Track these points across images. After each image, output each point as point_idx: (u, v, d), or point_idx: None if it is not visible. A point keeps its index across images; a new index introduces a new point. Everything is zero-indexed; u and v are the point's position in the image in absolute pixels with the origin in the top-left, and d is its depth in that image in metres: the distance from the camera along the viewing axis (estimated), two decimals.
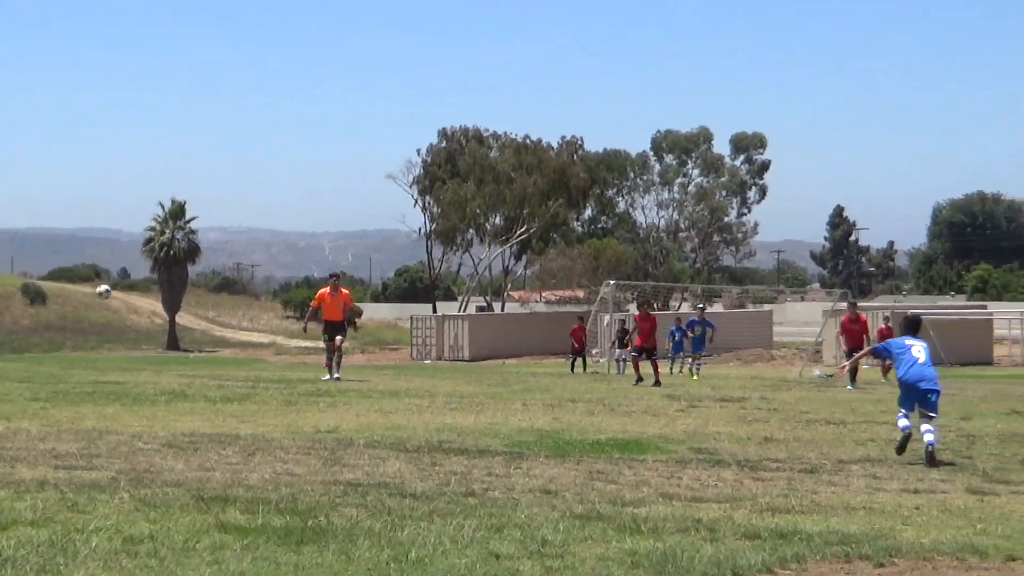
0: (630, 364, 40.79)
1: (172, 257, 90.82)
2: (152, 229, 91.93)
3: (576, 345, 50.53)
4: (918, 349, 18.06)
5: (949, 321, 62.73)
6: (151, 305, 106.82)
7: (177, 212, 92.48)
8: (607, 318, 56.34)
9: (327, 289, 35.06)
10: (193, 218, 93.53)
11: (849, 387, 34.65)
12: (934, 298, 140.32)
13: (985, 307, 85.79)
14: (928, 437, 17.16)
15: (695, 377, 41.40)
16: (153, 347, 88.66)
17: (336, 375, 34.08)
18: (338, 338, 34.36)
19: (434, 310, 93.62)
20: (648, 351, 37.06)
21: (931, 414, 17.56)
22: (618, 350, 47.47)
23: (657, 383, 35.16)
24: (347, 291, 35.78)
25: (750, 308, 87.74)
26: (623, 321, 51.23)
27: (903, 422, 17.78)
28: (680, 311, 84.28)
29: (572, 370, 48.28)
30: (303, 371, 44.46)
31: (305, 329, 38.60)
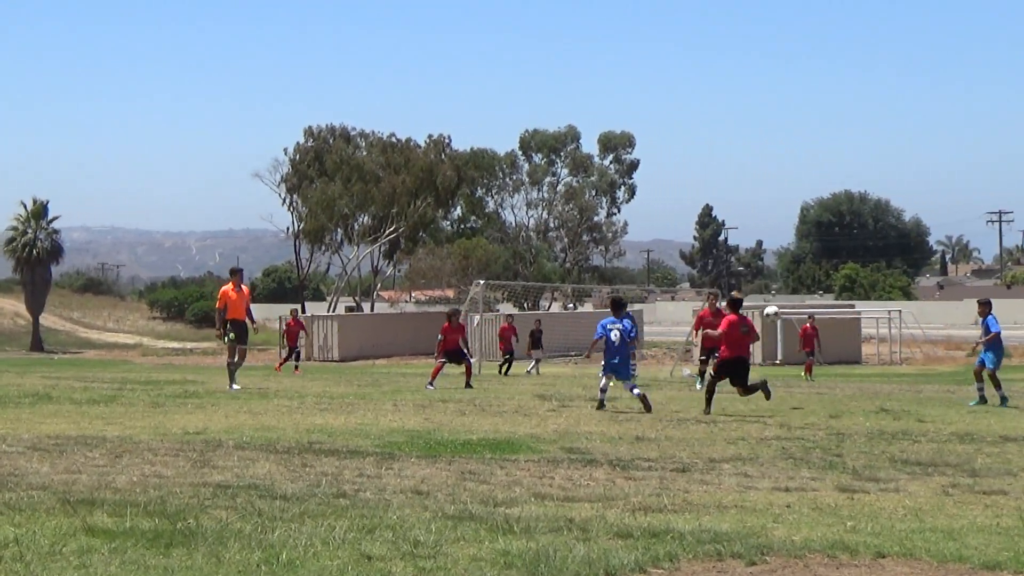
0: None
1: (35, 257, 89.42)
2: (13, 229, 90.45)
3: (504, 345, 48.92)
4: (616, 332, 25.48)
5: (817, 320, 63.48)
6: (14, 306, 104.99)
7: (39, 211, 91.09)
8: (476, 318, 56.30)
9: (230, 286, 31.26)
10: (56, 217, 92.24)
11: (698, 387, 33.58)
12: (802, 297, 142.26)
13: (853, 306, 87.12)
14: (636, 391, 25.56)
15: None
16: (16, 349, 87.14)
17: (236, 385, 31.20)
18: (241, 347, 31.39)
19: (303, 311, 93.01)
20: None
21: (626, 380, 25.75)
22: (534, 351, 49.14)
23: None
24: (248, 288, 32.09)
25: None
26: (538, 321, 51.80)
27: (603, 382, 26.00)
28: (551, 311, 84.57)
29: (500, 371, 46.54)
30: (170, 372, 43.86)
31: (223, 337, 31.64)
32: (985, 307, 29.47)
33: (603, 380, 26.30)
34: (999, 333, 29.10)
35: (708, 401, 25.29)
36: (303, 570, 9.59)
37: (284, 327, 52.28)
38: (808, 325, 47.00)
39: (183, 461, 15.86)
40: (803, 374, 44.77)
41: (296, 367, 47.92)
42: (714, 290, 39.53)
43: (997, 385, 28.76)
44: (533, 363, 48.82)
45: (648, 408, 24.92)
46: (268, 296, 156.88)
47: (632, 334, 26.24)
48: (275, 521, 11.44)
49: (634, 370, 41.53)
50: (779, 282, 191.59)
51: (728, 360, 25.17)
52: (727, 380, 25.42)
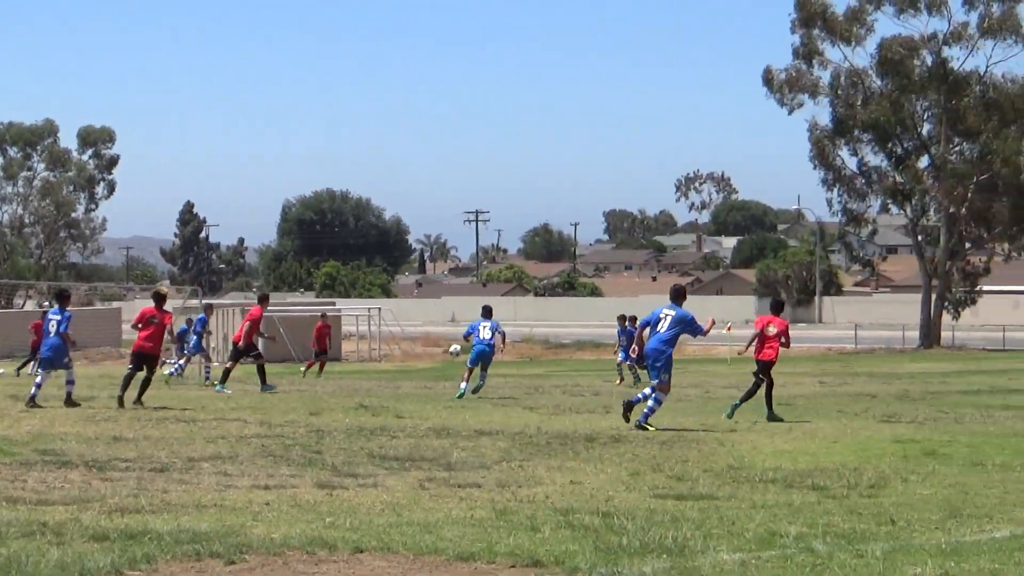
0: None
1: None
2: None
3: (317, 346, 45.88)
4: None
5: (299, 318, 63.94)
6: None
7: None
8: None
9: None
10: None
11: (219, 388, 32.74)
12: (284, 295, 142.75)
13: (334, 303, 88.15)
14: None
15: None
16: None
17: None
18: None
19: None
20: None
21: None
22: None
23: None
24: None
25: (98, 306, 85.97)
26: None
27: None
28: (26, 309, 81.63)
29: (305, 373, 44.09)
30: None
31: None
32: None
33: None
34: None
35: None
36: None
37: None
38: (321, 323, 46.75)
39: None
40: (304, 370, 44.29)
41: None
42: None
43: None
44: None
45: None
46: None
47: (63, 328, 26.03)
48: None
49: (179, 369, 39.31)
50: (261, 279, 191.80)
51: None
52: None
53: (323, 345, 45.85)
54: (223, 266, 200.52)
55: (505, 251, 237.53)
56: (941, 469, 16.30)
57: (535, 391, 32.79)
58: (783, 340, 24.41)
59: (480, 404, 27.74)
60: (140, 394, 25.98)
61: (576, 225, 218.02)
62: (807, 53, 75.30)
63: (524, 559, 10.57)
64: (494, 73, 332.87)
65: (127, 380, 26.23)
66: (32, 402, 25.52)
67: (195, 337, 40.74)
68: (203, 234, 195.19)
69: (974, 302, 78.76)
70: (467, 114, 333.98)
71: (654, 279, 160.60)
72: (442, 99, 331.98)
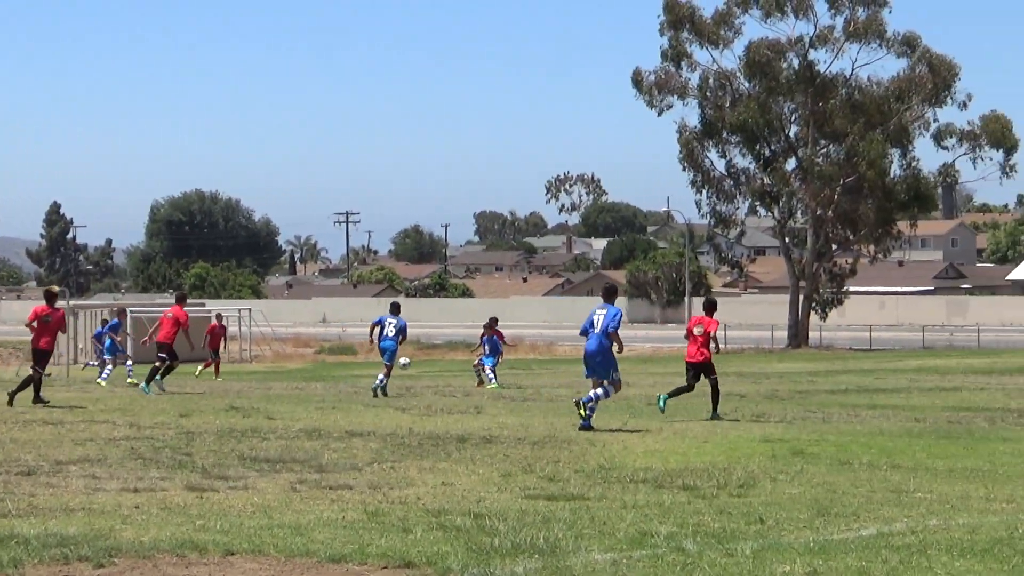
0: None
1: None
2: None
3: (211, 347, 45.07)
4: None
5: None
6: None
7: None
8: None
9: None
10: None
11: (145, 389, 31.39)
12: (152, 296, 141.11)
13: (204, 304, 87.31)
14: None
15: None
16: None
17: None
18: None
19: None
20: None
21: None
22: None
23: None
24: None
25: None
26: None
27: None
28: None
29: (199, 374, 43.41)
30: None
31: None
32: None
33: None
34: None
35: None
36: None
37: None
38: (216, 323, 46.19)
39: None
40: (199, 371, 43.64)
41: None
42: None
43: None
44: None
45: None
46: None
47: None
48: None
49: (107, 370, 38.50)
50: (129, 280, 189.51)
51: None
52: None
53: (216, 345, 45.38)
54: (91, 267, 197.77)
55: (376, 252, 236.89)
56: (809, 468, 16.54)
57: (407, 392, 32.75)
58: (713, 343, 24.41)
59: (351, 405, 27.65)
60: (37, 392, 26.26)
61: (447, 226, 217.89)
62: (676, 55, 75.97)
63: (396, 560, 10.57)
64: (364, 73, 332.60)
65: (32, 382, 26.43)
66: None
67: (109, 341, 40.19)
68: (70, 235, 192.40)
69: (841, 303, 80.00)
70: (337, 115, 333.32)
71: (525, 280, 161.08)
72: (312, 99, 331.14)
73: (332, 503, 13.56)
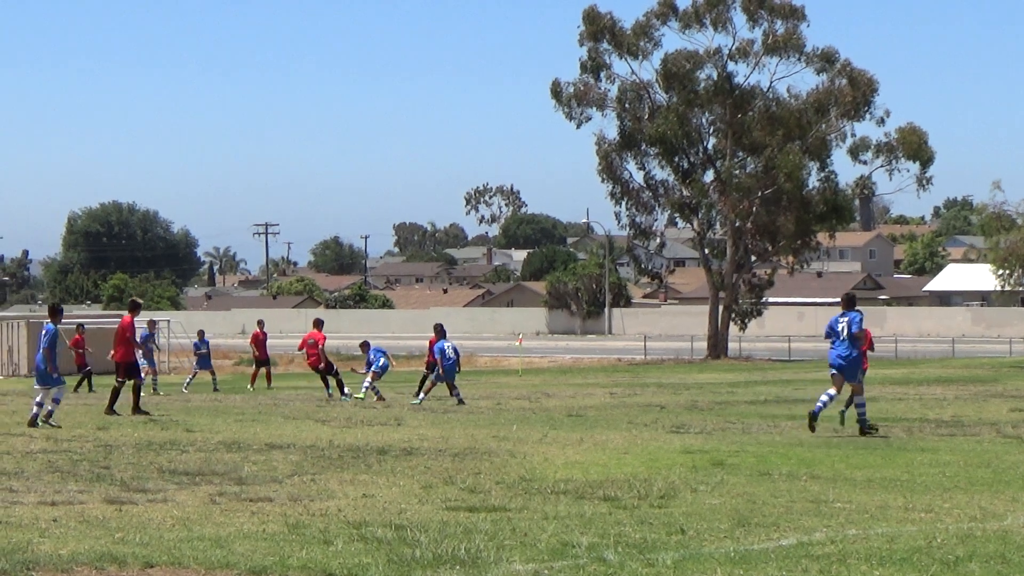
0: None
1: None
2: None
3: (259, 355, 45.00)
4: None
5: (87, 331, 62.50)
6: None
7: None
8: None
9: None
10: None
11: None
12: (70, 307, 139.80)
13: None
14: None
15: None
16: None
17: None
18: None
19: None
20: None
21: None
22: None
23: None
24: None
25: None
26: None
27: None
28: None
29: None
30: None
31: None
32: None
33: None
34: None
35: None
36: None
37: None
38: (257, 331, 45.76)
39: None
40: (251, 385, 43.55)
41: None
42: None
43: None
44: None
45: None
46: None
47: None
48: None
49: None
50: (46, 292, 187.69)
51: None
52: None
53: (264, 354, 45.25)
54: (7, 279, 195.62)
55: (295, 264, 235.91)
56: (729, 479, 16.63)
57: (326, 404, 32.63)
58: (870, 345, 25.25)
59: (271, 417, 27.51)
60: None
61: (366, 238, 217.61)
62: (595, 67, 76.17)
63: (317, 572, 10.53)
64: (282, 84, 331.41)
65: (115, 394, 27.24)
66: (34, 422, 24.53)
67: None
68: None
69: (760, 314, 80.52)
70: (255, 126, 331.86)
71: (445, 291, 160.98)
72: (229, 110, 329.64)
73: (252, 515, 13.49)
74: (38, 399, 24.98)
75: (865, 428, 23.18)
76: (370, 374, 35.59)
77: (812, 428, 22.87)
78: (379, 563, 10.83)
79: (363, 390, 35.33)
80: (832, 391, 23.20)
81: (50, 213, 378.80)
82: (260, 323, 47.24)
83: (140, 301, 28.31)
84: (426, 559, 11.02)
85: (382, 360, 35.83)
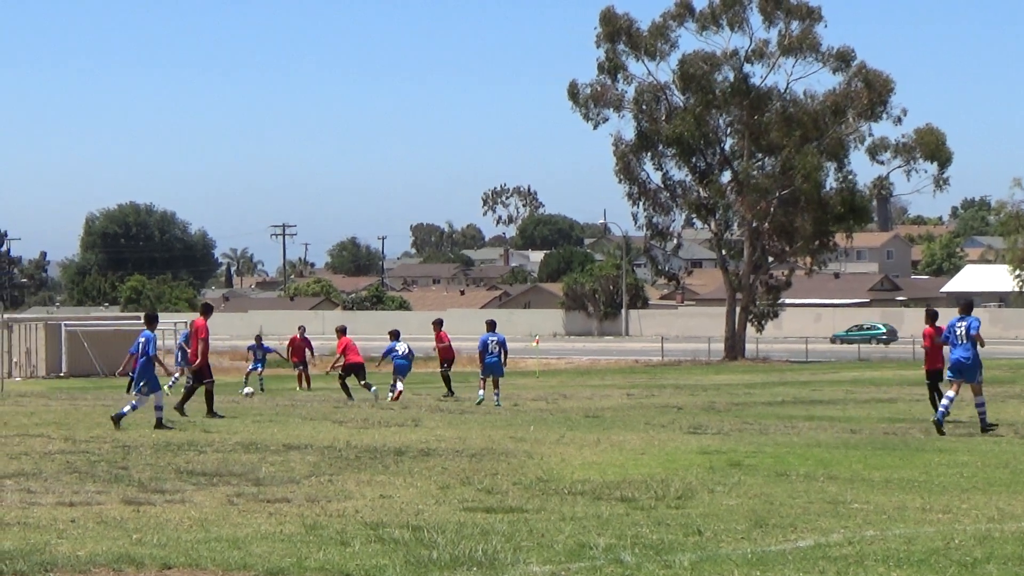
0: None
1: None
2: None
3: (296, 359, 45.69)
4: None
5: (103, 332, 62.76)
6: None
7: None
8: None
9: None
10: None
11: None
12: (88, 309, 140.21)
13: (140, 318, 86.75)
14: None
15: None
16: None
17: None
18: None
19: None
20: None
21: None
22: None
23: None
24: None
25: None
26: None
27: None
28: None
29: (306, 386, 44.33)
30: None
31: None
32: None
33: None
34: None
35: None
36: None
37: None
38: (297, 336, 46.07)
39: None
40: (297, 387, 44.00)
41: None
42: None
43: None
44: None
45: None
46: None
47: None
48: None
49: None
50: (64, 294, 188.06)
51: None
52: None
53: (300, 357, 45.73)
54: (25, 280, 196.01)
55: (312, 265, 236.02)
56: (747, 480, 16.61)
57: (343, 405, 32.67)
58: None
59: (288, 418, 27.53)
60: None
61: (383, 239, 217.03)
62: (612, 68, 76.14)
63: (334, 574, 10.54)
64: (299, 86, 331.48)
65: (207, 394, 27.27)
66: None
67: (179, 352, 40.73)
68: (3, 247, 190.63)
69: (777, 315, 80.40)
70: (272, 127, 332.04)
71: (462, 292, 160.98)
72: (246, 112, 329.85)
73: (270, 516, 13.50)
74: (157, 403, 24.97)
75: (985, 426, 23.66)
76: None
77: (941, 432, 23.19)
78: (396, 564, 10.83)
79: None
80: (951, 393, 23.71)
81: (68, 214, 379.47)
82: (301, 328, 47.98)
83: (212, 304, 28.16)
84: (443, 560, 11.02)
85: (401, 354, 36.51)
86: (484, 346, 33.35)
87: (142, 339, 25.30)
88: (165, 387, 39.78)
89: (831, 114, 74.41)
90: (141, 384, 24.83)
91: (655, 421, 26.78)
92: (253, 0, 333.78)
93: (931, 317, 27.61)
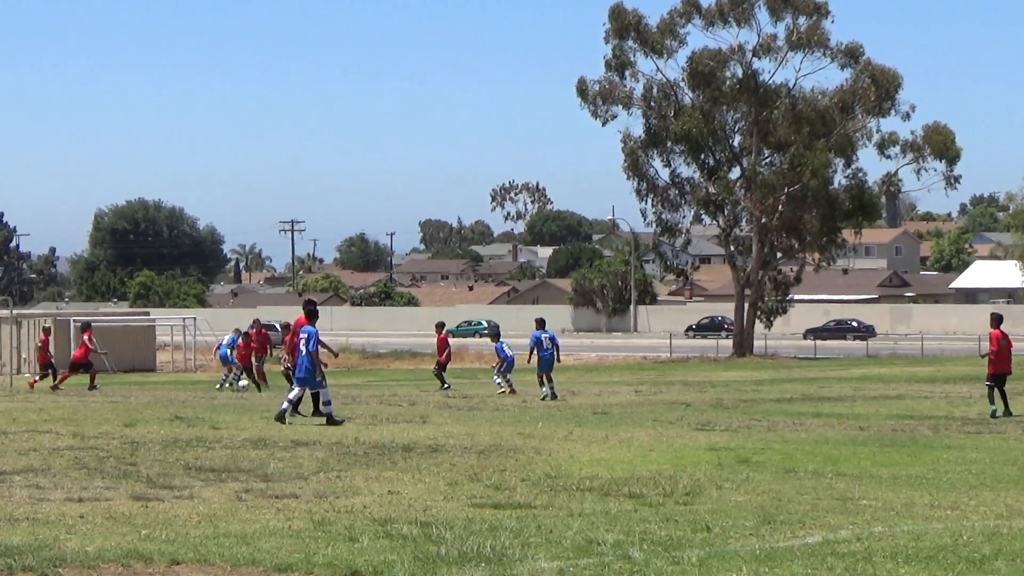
0: None
1: None
2: None
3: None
4: None
5: (112, 328, 62.84)
6: None
7: None
8: None
9: None
10: None
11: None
12: (97, 304, 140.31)
13: (148, 314, 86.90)
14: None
15: None
16: None
17: None
18: None
19: None
20: None
21: None
22: None
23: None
24: None
25: None
26: None
27: None
28: None
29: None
30: None
31: None
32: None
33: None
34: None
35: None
36: None
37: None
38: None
39: None
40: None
41: None
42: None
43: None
44: None
45: None
46: None
47: None
48: None
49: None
50: (73, 289, 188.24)
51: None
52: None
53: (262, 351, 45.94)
54: (34, 276, 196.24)
55: (321, 261, 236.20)
56: (755, 476, 16.61)
57: (352, 401, 32.67)
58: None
59: (296, 415, 27.50)
60: None
61: (392, 235, 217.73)
62: (620, 65, 76.10)
63: (343, 569, 10.55)
64: (308, 83, 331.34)
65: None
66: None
67: (224, 350, 45.40)
68: (13, 243, 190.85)
69: (785, 311, 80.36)
70: (281, 123, 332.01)
71: (471, 288, 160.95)
72: (255, 108, 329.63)
73: (278, 512, 13.52)
74: (292, 396, 25.21)
75: None
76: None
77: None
78: (404, 560, 10.84)
79: (495, 383, 37.62)
80: None
81: (77, 210, 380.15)
82: (256, 321, 49.56)
83: (317, 309, 26.09)
84: (451, 556, 11.03)
85: (507, 352, 37.24)
86: (537, 342, 33.70)
87: (303, 334, 25.06)
88: (216, 385, 41.17)
89: (839, 110, 74.32)
90: (309, 378, 24.93)
91: (663, 418, 26.78)
92: None
93: (996, 321, 27.19)
